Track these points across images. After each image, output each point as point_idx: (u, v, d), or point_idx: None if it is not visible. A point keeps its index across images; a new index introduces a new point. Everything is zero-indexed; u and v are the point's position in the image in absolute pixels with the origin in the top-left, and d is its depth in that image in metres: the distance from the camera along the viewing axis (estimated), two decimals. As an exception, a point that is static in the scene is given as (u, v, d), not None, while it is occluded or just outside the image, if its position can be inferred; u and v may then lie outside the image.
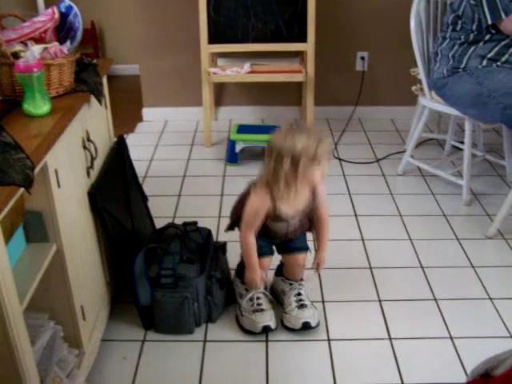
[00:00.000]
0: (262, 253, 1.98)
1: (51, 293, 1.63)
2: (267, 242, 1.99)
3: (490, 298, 2.18)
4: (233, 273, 2.22)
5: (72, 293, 1.64)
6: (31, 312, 1.55)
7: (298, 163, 1.68)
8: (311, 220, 1.97)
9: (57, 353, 1.61)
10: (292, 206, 1.83)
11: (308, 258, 2.08)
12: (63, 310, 1.66)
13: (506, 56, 2.61)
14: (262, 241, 1.96)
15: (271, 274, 2.23)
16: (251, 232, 1.88)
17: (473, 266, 2.38)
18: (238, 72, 3.38)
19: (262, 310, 2.02)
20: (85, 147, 1.80)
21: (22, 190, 1.26)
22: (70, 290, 1.64)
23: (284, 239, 1.98)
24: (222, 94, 3.99)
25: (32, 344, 1.44)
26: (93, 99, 1.88)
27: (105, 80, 2.06)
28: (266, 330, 2.00)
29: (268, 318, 2.01)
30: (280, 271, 2.17)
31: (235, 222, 1.97)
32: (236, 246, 2.03)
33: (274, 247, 2.05)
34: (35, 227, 1.53)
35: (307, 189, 1.83)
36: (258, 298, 2.06)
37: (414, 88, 3.12)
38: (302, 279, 2.13)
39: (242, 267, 2.13)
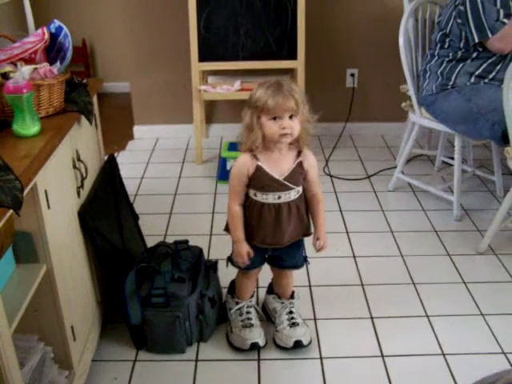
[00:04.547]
0: (251, 267, 1.96)
1: (41, 314, 1.62)
2: (259, 253, 1.94)
3: (482, 314, 2.19)
4: (224, 291, 2.21)
5: (62, 313, 1.63)
6: (20, 333, 1.53)
7: (253, 114, 1.72)
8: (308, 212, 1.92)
9: (47, 375, 1.60)
10: (274, 165, 1.79)
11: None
12: (53, 331, 1.65)
13: (494, 73, 2.65)
14: (255, 253, 1.92)
15: (263, 292, 2.22)
16: (236, 200, 1.83)
17: (464, 282, 2.38)
18: (228, 89, 3.40)
19: (251, 326, 2.02)
20: (75, 167, 1.80)
21: (11, 211, 1.26)
22: (60, 310, 1.62)
23: (277, 241, 1.89)
24: (213, 111, 4.00)
25: (21, 366, 1.43)
26: (83, 119, 1.88)
27: (95, 99, 2.07)
28: (255, 347, 1.99)
29: (257, 335, 2.00)
30: (271, 289, 2.16)
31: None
32: (228, 266, 2.02)
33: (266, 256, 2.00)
34: (25, 248, 1.53)
35: (289, 154, 1.81)
36: (247, 313, 2.06)
37: (403, 105, 3.14)
38: (292, 295, 2.12)
39: (233, 284, 2.13)
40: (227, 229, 1.93)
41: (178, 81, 3.77)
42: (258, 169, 1.78)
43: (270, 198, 1.82)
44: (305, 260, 2.03)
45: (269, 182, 1.79)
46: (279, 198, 1.82)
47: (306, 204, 1.91)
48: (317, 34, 3.65)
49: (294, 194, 1.84)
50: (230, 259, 2.00)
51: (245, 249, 1.88)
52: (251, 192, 1.83)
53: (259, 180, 1.79)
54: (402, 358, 1.99)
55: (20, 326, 1.39)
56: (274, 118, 1.70)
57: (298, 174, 1.82)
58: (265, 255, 1.99)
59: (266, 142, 1.77)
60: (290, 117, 1.70)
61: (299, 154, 1.82)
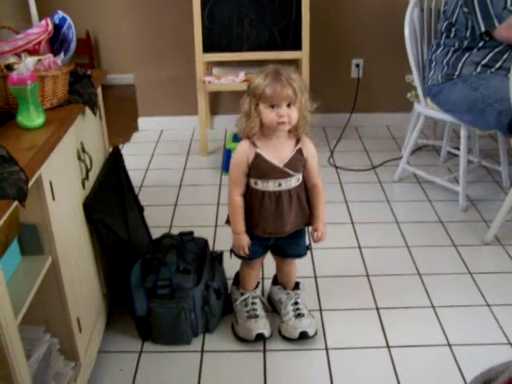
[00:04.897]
0: (253, 256, 1.96)
1: (47, 305, 1.62)
2: (261, 242, 1.95)
3: (488, 305, 2.18)
4: (230, 283, 2.21)
5: (68, 305, 1.63)
6: (27, 325, 1.53)
7: (251, 101, 1.73)
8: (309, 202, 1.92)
9: (53, 366, 1.60)
10: (273, 152, 1.79)
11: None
12: (59, 323, 1.65)
13: (500, 62, 2.63)
14: (256, 243, 1.92)
15: (268, 284, 2.22)
16: (236, 189, 1.83)
17: (470, 273, 2.37)
18: (233, 81, 3.38)
19: (256, 316, 2.02)
20: (80, 159, 1.80)
21: (16, 203, 1.25)
22: (65, 302, 1.63)
23: (279, 231, 1.89)
24: (218, 102, 3.99)
25: (28, 357, 1.44)
26: (87, 110, 1.87)
27: (99, 90, 2.06)
28: (260, 338, 1.99)
29: (262, 326, 2.00)
30: (277, 280, 2.16)
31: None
32: (232, 257, 2.02)
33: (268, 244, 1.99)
34: (30, 240, 1.53)
35: (288, 141, 1.81)
36: (253, 304, 2.06)
37: (409, 95, 3.12)
38: (298, 286, 2.12)
39: (238, 275, 2.13)
40: (228, 221, 1.93)
41: (183, 72, 3.76)
42: (257, 156, 1.78)
43: (271, 186, 1.81)
44: (307, 249, 2.03)
45: (268, 169, 1.79)
46: (280, 185, 1.81)
47: (307, 194, 1.91)
48: (321, 24, 3.63)
49: (294, 181, 1.83)
50: (233, 250, 2.00)
51: (245, 240, 1.89)
52: (252, 181, 1.83)
53: (259, 168, 1.79)
54: (407, 348, 1.98)
55: (26, 318, 1.39)
56: (272, 106, 1.70)
57: (298, 161, 1.82)
58: (267, 244, 1.98)
59: (264, 130, 1.77)
60: (288, 105, 1.71)
61: (298, 141, 1.82)
